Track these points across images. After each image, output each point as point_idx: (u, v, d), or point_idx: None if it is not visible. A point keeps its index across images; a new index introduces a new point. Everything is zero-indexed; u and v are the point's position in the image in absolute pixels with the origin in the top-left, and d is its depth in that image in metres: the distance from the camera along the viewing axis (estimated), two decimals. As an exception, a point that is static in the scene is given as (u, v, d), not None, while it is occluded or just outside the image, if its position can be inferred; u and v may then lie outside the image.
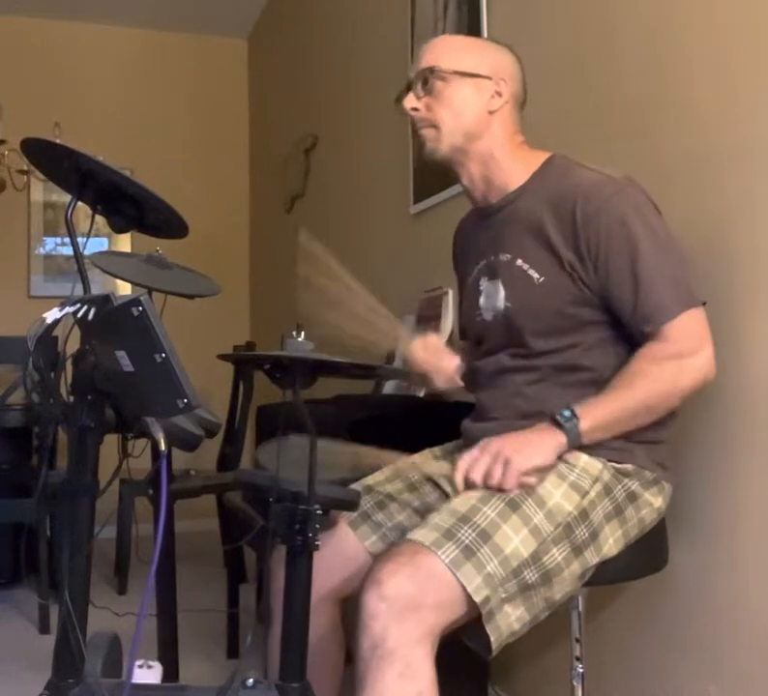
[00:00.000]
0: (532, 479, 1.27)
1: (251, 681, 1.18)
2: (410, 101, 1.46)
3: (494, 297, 1.46)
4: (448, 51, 1.46)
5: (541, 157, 1.46)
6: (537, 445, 1.29)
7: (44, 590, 2.96)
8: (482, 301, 1.50)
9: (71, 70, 4.57)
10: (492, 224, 1.49)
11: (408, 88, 1.47)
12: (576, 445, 1.31)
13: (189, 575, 2.82)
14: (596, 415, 1.30)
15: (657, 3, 1.61)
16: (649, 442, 1.38)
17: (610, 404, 1.31)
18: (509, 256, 1.44)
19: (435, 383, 1.60)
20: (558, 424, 1.29)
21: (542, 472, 1.29)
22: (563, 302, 1.37)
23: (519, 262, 1.41)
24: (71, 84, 4.55)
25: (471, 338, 1.60)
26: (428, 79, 1.44)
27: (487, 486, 1.28)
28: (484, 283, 1.50)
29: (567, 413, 1.29)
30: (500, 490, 1.27)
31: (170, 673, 2.07)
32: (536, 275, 1.39)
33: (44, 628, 2.84)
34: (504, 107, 1.45)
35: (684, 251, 1.35)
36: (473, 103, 1.44)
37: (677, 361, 1.31)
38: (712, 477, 1.47)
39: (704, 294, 1.33)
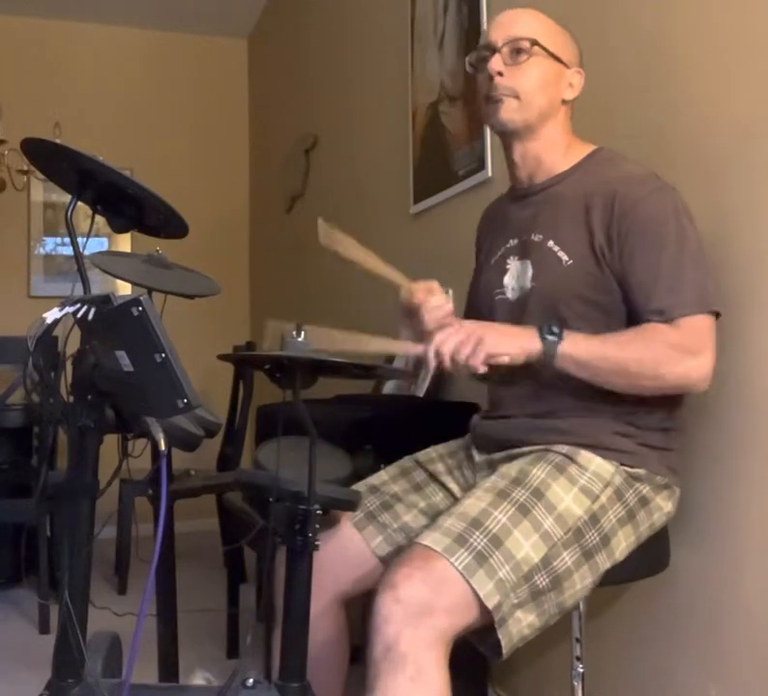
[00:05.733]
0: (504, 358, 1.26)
1: (250, 681, 1.18)
2: (499, 65, 1.41)
3: (523, 276, 1.46)
4: (546, 30, 1.43)
5: (588, 147, 1.49)
6: (512, 338, 1.28)
7: (45, 590, 2.97)
8: (507, 279, 1.49)
9: (71, 70, 4.57)
10: (530, 204, 1.50)
11: (493, 50, 1.42)
12: (546, 364, 1.27)
13: (189, 575, 2.81)
14: (579, 348, 1.28)
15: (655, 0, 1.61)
16: (662, 448, 1.38)
17: (597, 346, 1.29)
18: (541, 237, 1.44)
19: (424, 317, 1.47)
20: (541, 338, 1.27)
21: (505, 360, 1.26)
22: (586, 285, 1.37)
23: (551, 243, 1.42)
24: (71, 84, 4.54)
25: (482, 318, 1.56)
26: (522, 50, 1.41)
27: (453, 362, 1.26)
28: (512, 262, 1.49)
29: (555, 330, 1.27)
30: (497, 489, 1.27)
31: (170, 673, 2.07)
32: (565, 258, 1.39)
33: (44, 628, 2.83)
34: (573, 99, 1.47)
35: (709, 261, 1.34)
36: (553, 87, 1.44)
37: (678, 348, 1.28)
38: (714, 479, 1.47)
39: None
